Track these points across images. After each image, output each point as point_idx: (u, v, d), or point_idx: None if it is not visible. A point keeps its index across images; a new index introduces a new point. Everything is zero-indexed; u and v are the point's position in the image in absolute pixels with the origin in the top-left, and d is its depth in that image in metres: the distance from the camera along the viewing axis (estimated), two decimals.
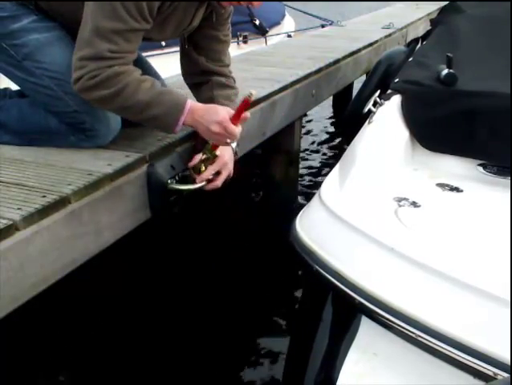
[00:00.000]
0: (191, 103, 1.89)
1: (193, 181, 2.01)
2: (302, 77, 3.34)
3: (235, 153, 2.11)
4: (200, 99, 2.14)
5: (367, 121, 2.08)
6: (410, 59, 2.54)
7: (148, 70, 2.27)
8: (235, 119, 1.85)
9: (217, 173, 2.03)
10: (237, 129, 1.88)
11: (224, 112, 1.86)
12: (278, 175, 3.56)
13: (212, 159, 1.99)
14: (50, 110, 1.98)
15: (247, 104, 1.81)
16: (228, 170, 2.05)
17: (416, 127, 1.94)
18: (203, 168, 1.99)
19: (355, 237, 1.42)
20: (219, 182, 2.03)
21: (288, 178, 3.57)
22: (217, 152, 1.99)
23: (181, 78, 2.29)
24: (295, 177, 3.70)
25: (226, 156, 2.03)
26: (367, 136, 1.91)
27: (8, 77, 2.03)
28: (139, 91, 1.81)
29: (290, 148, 3.51)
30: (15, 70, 1.96)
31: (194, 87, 2.25)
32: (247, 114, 1.89)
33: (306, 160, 4.70)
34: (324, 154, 4.93)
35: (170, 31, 2.00)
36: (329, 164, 4.57)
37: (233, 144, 2.09)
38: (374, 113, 2.08)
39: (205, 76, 2.20)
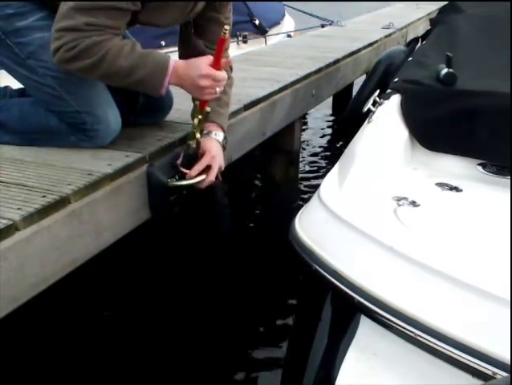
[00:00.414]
0: (174, 61, 1.87)
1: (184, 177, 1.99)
2: (302, 77, 3.35)
3: (223, 146, 2.09)
4: None
5: (367, 120, 2.08)
6: (410, 59, 2.55)
7: None
8: (217, 64, 1.83)
9: (208, 168, 2.00)
10: (223, 73, 1.87)
11: (205, 62, 1.84)
12: (278, 175, 3.56)
13: (204, 119, 1.94)
14: (52, 109, 1.99)
15: (223, 42, 1.79)
16: (217, 163, 2.02)
17: (415, 127, 1.94)
18: (198, 134, 1.95)
19: (354, 237, 1.42)
20: (212, 177, 2.01)
21: (288, 178, 3.57)
22: (208, 109, 1.95)
23: None
24: (295, 177, 3.70)
25: (213, 149, 2.01)
26: (366, 136, 1.91)
27: (11, 74, 2.03)
28: (121, 56, 1.79)
29: (290, 148, 3.51)
30: (19, 68, 1.96)
31: None
32: (229, 59, 1.91)
33: (306, 159, 4.70)
34: (324, 154, 4.93)
35: (175, 17, 1.99)
36: (329, 163, 4.57)
37: (220, 137, 2.08)
38: (373, 112, 2.08)
39: None
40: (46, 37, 1.89)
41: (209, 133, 2.04)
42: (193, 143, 1.96)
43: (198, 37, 2.16)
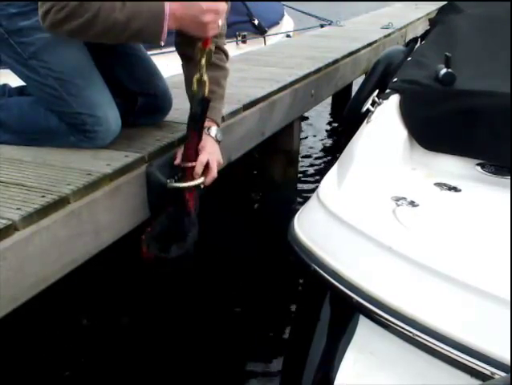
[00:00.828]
0: (168, 4, 1.78)
1: (188, 175, 1.97)
2: (301, 77, 3.35)
3: (217, 141, 2.07)
4: (187, 74, 2.11)
5: (366, 120, 2.08)
6: (409, 59, 2.54)
7: (150, 68, 2.28)
8: None
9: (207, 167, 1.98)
10: (223, 3, 1.82)
11: None
12: (277, 175, 3.57)
13: (208, 59, 1.90)
14: (52, 109, 1.99)
15: None
16: (215, 160, 1.99)
17: (414, 127, 1.93)
18: (205, 76, 1.90)
19: (352, 237, 1.41)
20: (213, 174, 1.99)
21: (287, 178, 3.58)
22: (212, 47, 1.89)
23: (181, 78, 2.29)
24: (294, 177, 3.71)
25: (207, 146, 1.99)
26: (365, 136, 1.90)
27: (14, 73, 2.03)
28: (114, 9, 1.73)
29: (289, 148, 3.51)
30: (21, 68, 1.96)
31: (185, 59, 2.18)
32: None
33: (306, 160, 4.70)
34: (323, 154, 4.92)
35: None
36: (328, 163, 4.56)
37: (213, 132, 2.06)
38: (372, 112, 2.08)
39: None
40: (49, 37, 1.89)
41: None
42: (199, 90, 1.92)
43: None
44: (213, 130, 2.06)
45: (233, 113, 2.61)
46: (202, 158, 1.95)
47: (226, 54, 2.22)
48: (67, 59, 1.92)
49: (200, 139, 1.97)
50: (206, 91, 1.93)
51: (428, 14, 6.47)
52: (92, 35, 1.79)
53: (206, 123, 2.01)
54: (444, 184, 1.68)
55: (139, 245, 1.94)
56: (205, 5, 1.76)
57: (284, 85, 3.13)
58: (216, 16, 1.78)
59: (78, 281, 1.99)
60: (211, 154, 1.99)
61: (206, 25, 1.79)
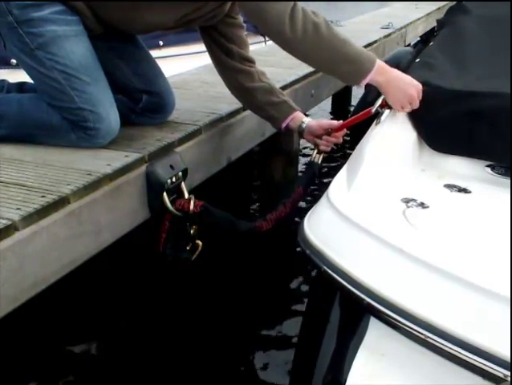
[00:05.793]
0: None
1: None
2: (301, 77, 3.35)
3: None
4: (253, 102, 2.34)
5: (375, 122, 2.07)
6: (417, 60, 2.53)
7: (154, 67, 2.28)
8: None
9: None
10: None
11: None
12: (277, 175, 3.54)
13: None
14: (54, 104, 1.98)
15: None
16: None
17: (423, 128, 1.93)
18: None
19: (363, 238, 1.40)
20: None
21: (287, 178, 3.55)
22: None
23: (181, 78, 2.29)
24: (294, 178, 3.68)
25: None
26: (374, 137, 1.89)
27: (18, 62, 2.05)
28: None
29: (290, 149, 3.49)
30: (26, 58, 1.95)
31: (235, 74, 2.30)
32: None
33: (305, 160, 4.68)
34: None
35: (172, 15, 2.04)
36: (327, 163, 4.54)
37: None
38: (381, 114, 2.07)
39: (243, 64, 2.28)
40: (60, 31, 1.91)
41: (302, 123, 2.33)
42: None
43: (228, 43, 2.24)
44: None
45: (234, 113, 2.60)
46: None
47: (253, 61, 2.34)
48: (74, 55, 1.93)
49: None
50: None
51: (428, 14, 6.48)
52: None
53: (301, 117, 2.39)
54: (454, 186, 1.68)
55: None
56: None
57: (284, 85, 3.12)
58: (418, 94, 1.95)
59: (78, 281, 1.97)
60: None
61: (411, 97, 1.95)
